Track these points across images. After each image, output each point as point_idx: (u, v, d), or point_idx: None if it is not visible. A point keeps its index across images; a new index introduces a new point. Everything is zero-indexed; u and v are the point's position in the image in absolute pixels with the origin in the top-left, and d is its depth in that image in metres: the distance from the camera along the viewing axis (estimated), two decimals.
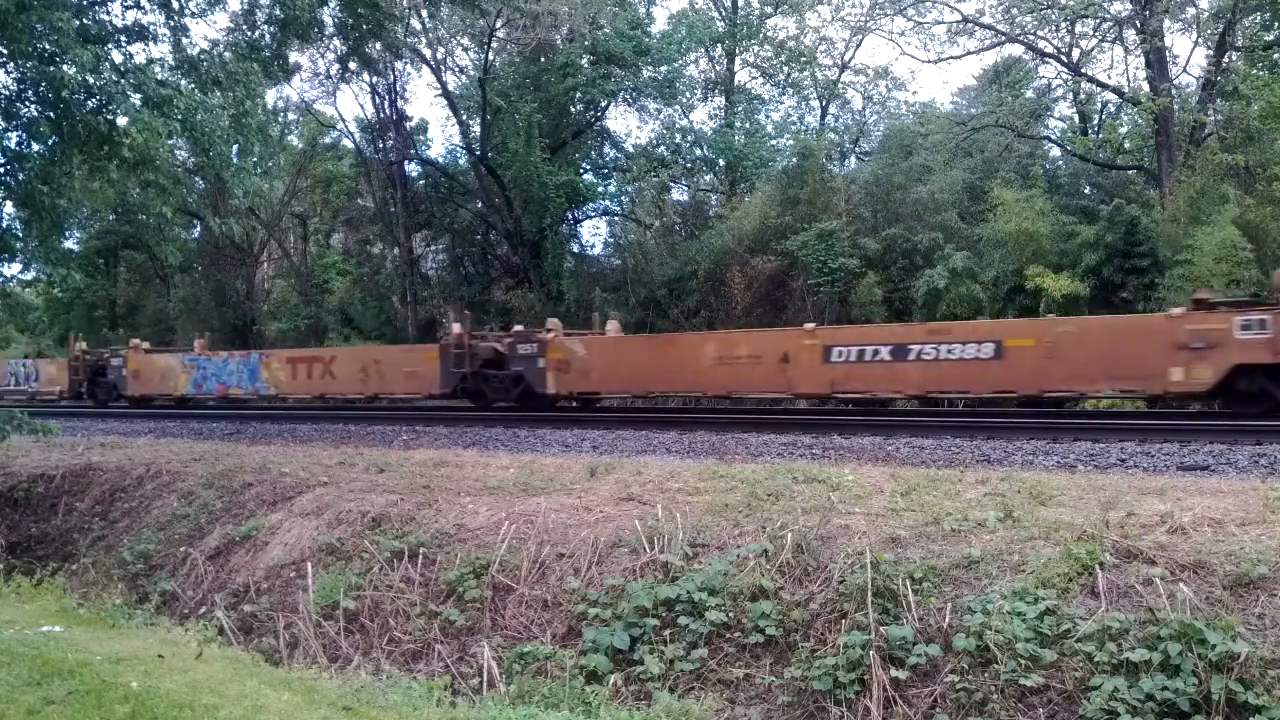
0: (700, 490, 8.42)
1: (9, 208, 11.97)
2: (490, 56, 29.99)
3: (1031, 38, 25.99)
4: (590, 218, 34.61)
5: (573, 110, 30.89)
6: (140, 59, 11.61)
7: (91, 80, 10.32)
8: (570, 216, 32.44)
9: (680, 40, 29.88)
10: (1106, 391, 13.49)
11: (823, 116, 34.65)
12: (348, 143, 36.79)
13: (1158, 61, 23.19)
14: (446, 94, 31.46)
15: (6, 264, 13.50)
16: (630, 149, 33.07)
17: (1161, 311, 14.74)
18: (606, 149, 33.99)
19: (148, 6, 11.88)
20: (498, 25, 28.55)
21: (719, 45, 32.90)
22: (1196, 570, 5.63)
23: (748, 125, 33.64)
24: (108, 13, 11.75)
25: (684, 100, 32.21)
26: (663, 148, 31.63)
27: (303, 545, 8.95)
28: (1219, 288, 17.83)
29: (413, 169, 34.13)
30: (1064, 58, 26.36)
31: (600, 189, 33.20)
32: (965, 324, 15.41)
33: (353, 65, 26.04)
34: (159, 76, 11.23)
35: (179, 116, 10.67)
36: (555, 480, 9.38)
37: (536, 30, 27.47)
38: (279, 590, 8.52)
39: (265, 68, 13.30)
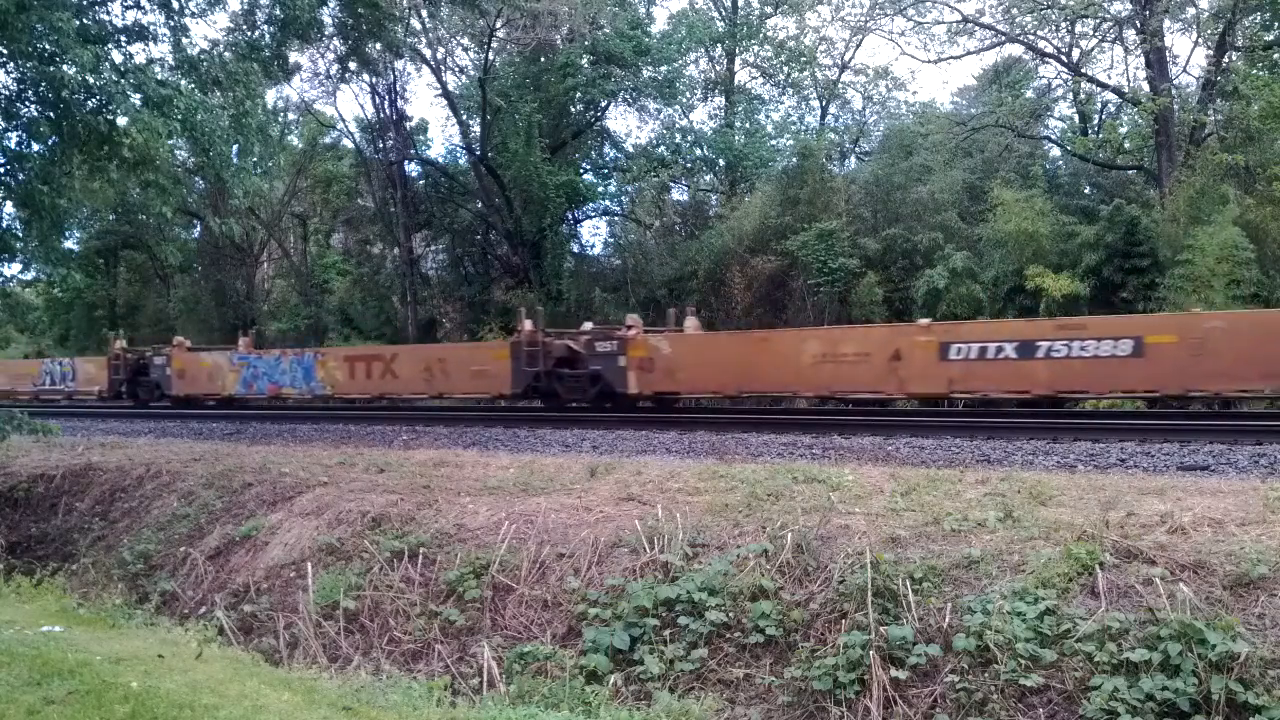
0: (700, 490, 8.42)
1: (9, 208, 11.99)
2: (490, 56, 30.00)
3: (1031, 38, 26.00)
4: (590, 218, 34.68)
5: (573, 110, 30.90)
6: (140, 59, 11.63)
7: (91, 80, 10.33)
8: (570, 216, 32.45)
9: (680, 40, 29.89)
10: (1267, 391, 12.73)
11: (823, 116, 34.68)
12: (348, 143, 36.83)
13: (1158, 61, 23.18)
14: (446, 94, 31.46)
15: (6, 264, 13.52)
16: (630, 149, 33.12)
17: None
18: (606, 149, 34.03)
19: (148, 6, 11.89)
20: (498, 25, 28.56)
21: (719, 45, 32.91)
22: (1196, 570, 5.63)
23: (748, 125, 33.65)
24: (108, 13, 11.77)
25: (684, 100, 32.26)
26: (663, 148, 31.65)
27: (303, 545, 8.95)
28: (1219, 288, 17.85)
29: (413, 169, 34.18)
30: (1064, 58, 26.37)
31: (600, 189, 33.23)
32: (1101, 319, 14.46)
33: (353, 65, 26.06)
34: (159, 76, 11.23)
35: (179, 116, 10.67)
36: (555, 480, 9.38)
37: (536, 30, 27.49)
38: (279, 590, 8.52)
39: (265, 68, 13.30)
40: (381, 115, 33.25)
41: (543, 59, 29.20)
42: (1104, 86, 26.97)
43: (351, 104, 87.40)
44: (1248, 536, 5.90)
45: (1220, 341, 12.32)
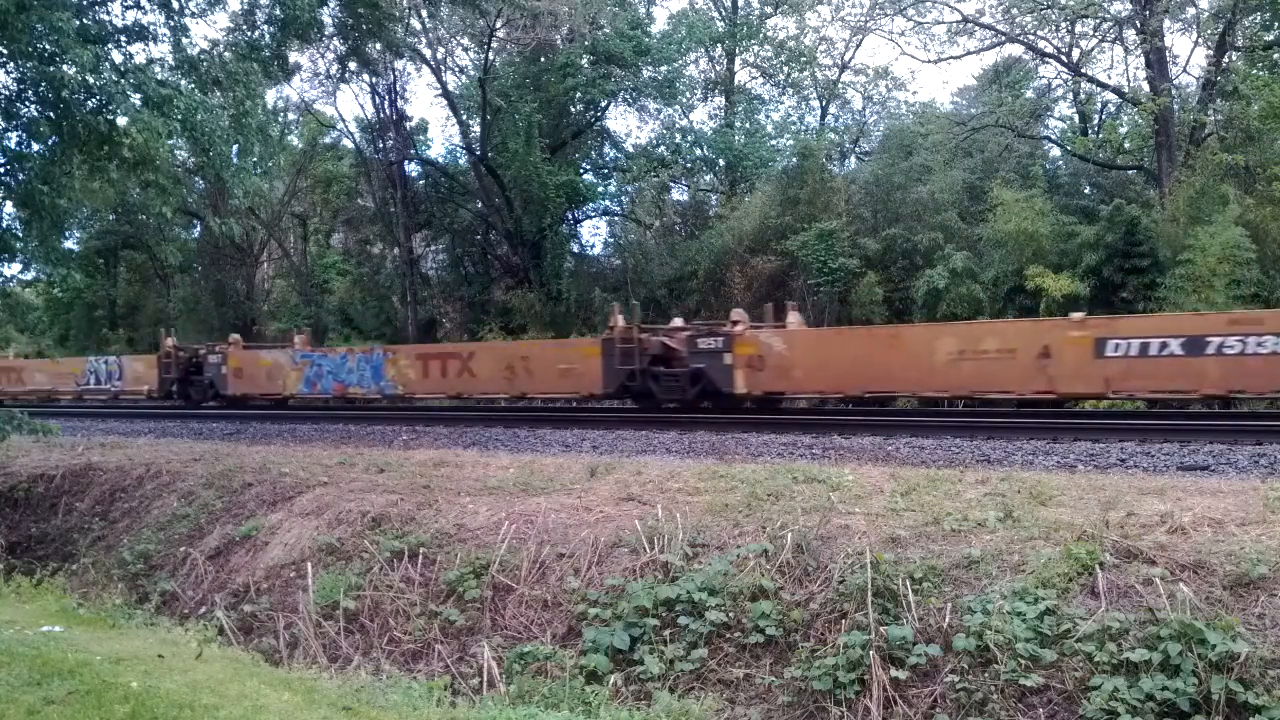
0: (700, 490, 8.42)
1: (9, 208, 12.00)
2: (490, 56, 29.99)
3: (1031, 38, 26.00)
4: (590, 218, 34.65)
5: (573, 110, 30.89)
6: (140, 59, 11.63)
7: (91, 80, 10.33)
8: (570, 216, 32.44)
9: (680, 40, 29.89)
10: None
11: (823, 116, 34.69)
12: (348, 143, 36.83)
13: (1158, 61, 23.18)
14: (446, 94, 31.47)
15: (6, 264, 13.52)
16: (630, 149, 33.10)
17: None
18: (606, 149, 34.01)
19: (148, 6, 11.88)
20: (498, 25, 28.55)
21: (719, 45, 32.92)
22: (1196, 570, 5.63)
23: (748, 125, 33.66)
24: (108, 13, 11.76)
25: (684, 100, 32.25)
26: (663, 148, 31.65)
27: (303, 545, 8.95)
28: (1220, 288, 17.85)
29: (413, 169, 34.17)
30: (1064, 58, 26.36)
31: (600, 189, 33.21)
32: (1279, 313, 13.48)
33: (353, 65, 26.10)
34: (159, 76, 11.23)
35: (179, 116, 10.67)
36: (555, 480, 9.38)
37: (536, 30, 27.49)
38: (279, 590, 8.52)
39: (265, 68, 13.30)
40: (381, 115, 33.27)
41: (543, 59, 29.20)
42: (1104, 86, 26.99)
43: (351, 104, 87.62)
44: (1248, 536, 5.90)
45: None
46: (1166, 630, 5.21)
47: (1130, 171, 26.91)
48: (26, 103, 11.31)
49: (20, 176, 11.39)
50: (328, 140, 37.64)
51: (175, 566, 9.67)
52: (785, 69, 32.66)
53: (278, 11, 13.49)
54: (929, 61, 41.87)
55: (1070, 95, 28.63)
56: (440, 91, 31.54)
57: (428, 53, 30.94)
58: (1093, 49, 26.63)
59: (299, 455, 12.26)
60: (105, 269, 42.07)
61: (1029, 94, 28.51)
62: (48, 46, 10.09)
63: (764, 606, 6.37)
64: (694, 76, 33.30)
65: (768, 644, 6.26)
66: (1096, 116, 29.02)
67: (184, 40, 12.22)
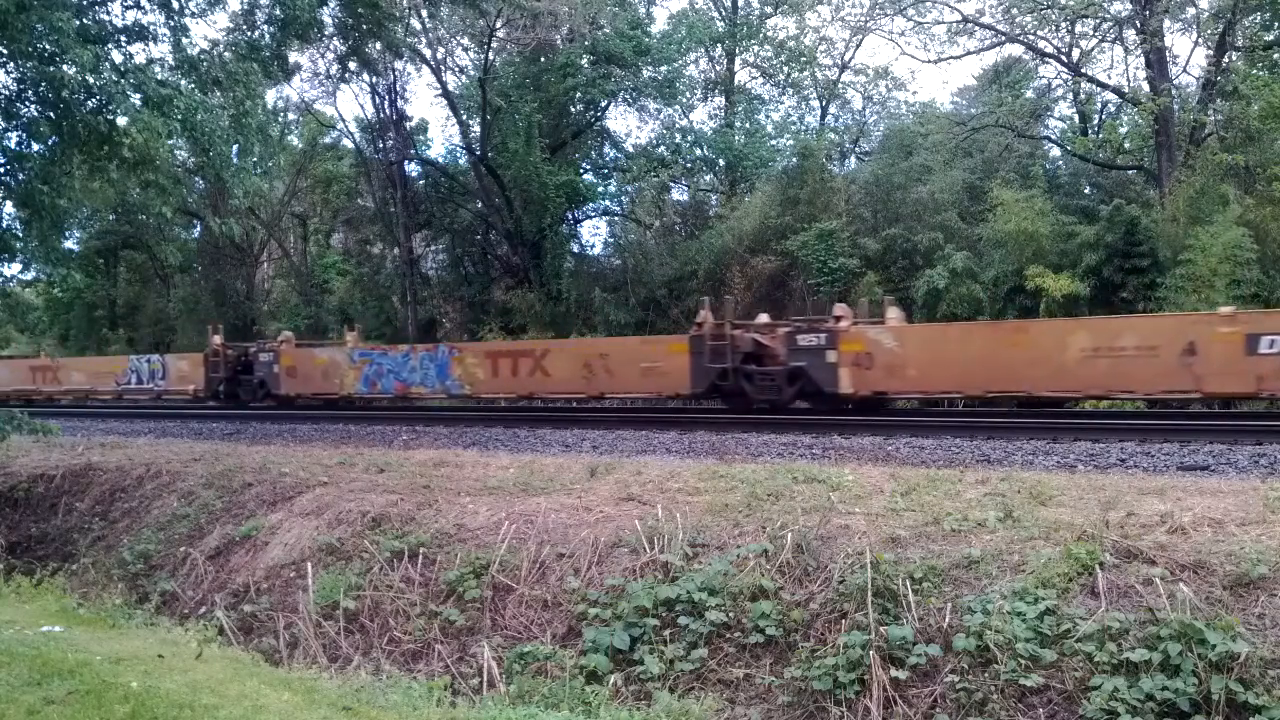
0: (700, 490, 8.42)
1: (9, 208, 11.99)
2: (490, 56, 29.99)
3: (1031, 38, 25.98)
4: (590, 218, 34.63)
5: (573, 110, 30.89)
6: (140, 59, 11.63)
7: (91, 80, 10.33)
8: (570, 216, 32.43)
9: (680, 40, 29.88)
10: None
11: (823, 116, 34.68)
12: (348, 143, 36.82)
13: (1158, 61, 23.17)
14: (446, 94, 31.46)
15: (6, 264, 13.52)
16: (630, 149, 33.09)
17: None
18: (606, 149, 34.00)
19: (148, 6, 11.89)
20: (498, 25, 28.55)
21: (719, 45, 32.90)
22: (1196, 570, 5.63)
23: (748, 125, 33.64)
24: (108, 13, 11.77)
25: (684, 100, 32.23)
26: (663, 148, 31.63)
27: (303, 545, 8.95)
28: (1221, 288, 17.84)
29: (413, 169, 34.15)
30: (1064, 58, 26.35)
31: (600, 189, 33.21)
32: None
33: (353, 65, 26.08)
34: (159, 76, 11.23)
35: (179, 116, 10.67)
36: (555, 480, 9.39)
37: (536, 30, 27.48)
38: (279, 590, 8.52)
39: (265, 68, 13.29)
40: (381, 115, 33.27)
41: (543, 59, 29.20)
42: (1104, 86, 26.97)
43: (351, 104, 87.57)
44: (1248, 536, 5.90)
45: None
46: (1166, 630, 5.21)
47: (1130, 171, 26.90)
48: (26, 103, 11.31)
49: (20, 176, 11.39)
50: (328, 140, 37.64)
51: (175, 566, 9.68)
52: (785, 69, 32.64)
53: (278, 11, 13.49)
54: (929, 61, 41.89)
55: (1070, 95, 28.62)
56: (440, 91, 31.55)
57: (428, 53, 30.96)
58: (1093, 49, 26.64)
59: (299, 455, 12.26)
60: (105, 269, 42.10)
61: (1029, 94, 28.49)
62: (48, 46, 10.09)
63: (764, 606, 6.37)
64: (694, 76, 33.31)
65: (768, 644, 6.26)
66: (1096, 116, 29.01)
67: (184, 40, 12.23)
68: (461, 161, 34.07)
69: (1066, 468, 9.45)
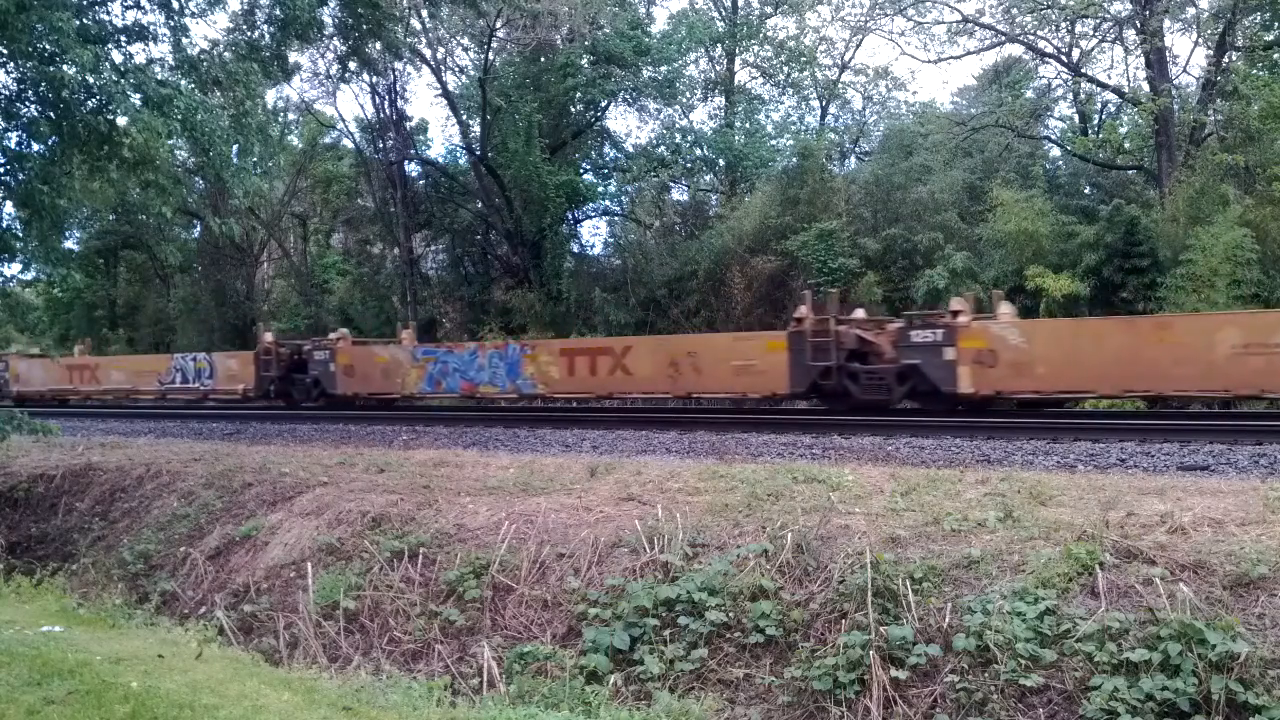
0: (700, 490, 8.42)
1: (9, 208, 11.98)
2: (490, 56, 29.98)
3: (1031, 38, 25.99)
4: (590, 218, 34.62)
5: (573, 110, 30.88)
6: (140, 59, 11.62)
7: (91, 80, 10.32)
8: (570, 216, 32.43)
9: (680, 40, 29.87)
10: None
11: (823, 116, 34.68)
12: (348, 143, 36.81)
13: (1158, 61, 23.17)
14: (446, 94, 31.46)
15: (6, 264, 13.50)
16: (630, 149, 33.09)
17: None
18: (606, 149, 33.99)
19: (148, 6, 11.88)
20: (498, 25, 28.54)
21: (719, 45, 32.88)
22: (1196, 570, 5.63)
23: (748, 125, 33.63)
24: (108, 13, 11.75)
25: (684, 100, 32.22)
26: (663, 148, 31.63)
27: (303, 545, 8.95)
28: (1221, 288, 17.85)
29: (413, 169, 34.14)
30: (1064, 58, 26.35)
31: (600, 189, 33.21)
32: None
33: (353, 65, 25.98)
34: (159, 76, 11.22)
35: (179, 116, 10.66)
36: (555, 480, 9.39)
37: (536, 30, 27.48)
38: (279, 590, 8.53)
39: (265, 68, 13.29)
40: (381, 115, 33.26)
41: (543, 59, 29.20)
42: (1104, 86, 26.98)
43: (351, 104, 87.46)
44: (1248, 536, 5.90)
45: None
46: (1166, 630, 5.21)
47: (1130, 171, 26.91)
48: (26, 103, 11.30)
49: (20, 176, 11.37)
50: (328, 140, 37.64)
51: (175, 566, 9.68)
52: (785, 69, 32.65)
53: (278, 11, 13.47)
54: (929, 61, 41.92)
55: (1070, 95, 28.61)
56: (440, 91, 31.55)
57: (428, 53, 30.95)
58: (1093, 49, 26.65)
59: (299, 455, 12.26)
60: (105, 269, 42.10)
61: (1029, 94, 28.49)
62: (48, 46, 10.08)
63: (764, 606, 6.37)
64: (694, 76, 33.29)
65: (768, 644, 6.26)
66: (1096, 116, 29.02)
67: (184, 40, 12.22)
68: (461, 161, 34.08)
69: (1066, 468, 9.45)
